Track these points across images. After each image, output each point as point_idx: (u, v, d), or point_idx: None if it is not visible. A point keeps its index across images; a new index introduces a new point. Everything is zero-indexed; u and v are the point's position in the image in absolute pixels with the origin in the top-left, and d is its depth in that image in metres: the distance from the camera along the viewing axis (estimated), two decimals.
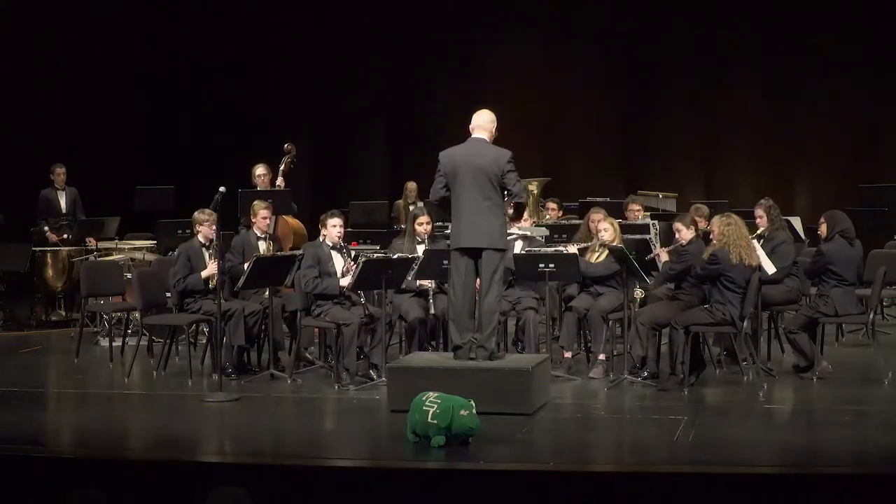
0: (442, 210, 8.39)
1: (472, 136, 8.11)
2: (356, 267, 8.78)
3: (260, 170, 11.23)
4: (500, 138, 8.18)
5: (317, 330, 9.50)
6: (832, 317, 8.94)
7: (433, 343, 9.28)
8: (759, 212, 9.55)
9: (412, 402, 6.99)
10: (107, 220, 12.74)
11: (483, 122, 8.10)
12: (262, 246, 9.64)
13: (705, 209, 9.92)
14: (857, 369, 9.31)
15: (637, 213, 11.12)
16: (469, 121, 8.21)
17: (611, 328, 9.13)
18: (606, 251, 9.13)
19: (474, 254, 7.97)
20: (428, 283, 9.21)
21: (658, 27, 15.58)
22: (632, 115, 15.74)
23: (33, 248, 12.34)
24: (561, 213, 11.86)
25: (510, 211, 9.72)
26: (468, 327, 8.05)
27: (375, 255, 9.20)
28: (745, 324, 8.59)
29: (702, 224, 9.47)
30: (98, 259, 11.73)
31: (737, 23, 15.39)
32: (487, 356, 7.98)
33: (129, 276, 10.67)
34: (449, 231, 9.82)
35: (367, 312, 8.92)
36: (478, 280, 8.06)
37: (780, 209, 9.73)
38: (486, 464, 6.59)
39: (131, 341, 10.39)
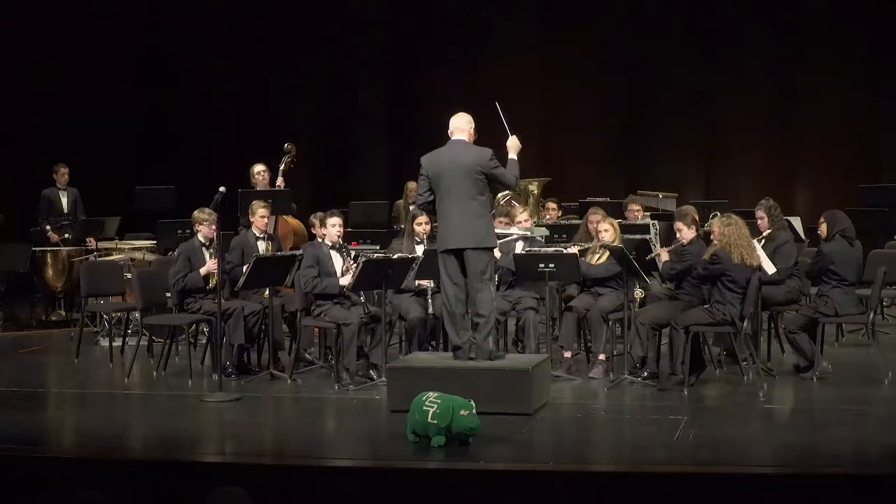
0: (431, 216, 8.43)
1: (452, 138, 8.14)
2: (356, 267, 8.78)
3: (258, 168, 11.24)
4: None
5: (317, 330, 9.51)
6: (832, 317, 8.94)
7: (433, 343, 9.28)
8: (759, 212, 9.54)
9: (412, 402, 7.00)
10: (107, 220, 12.75)
11: (461, 125, 8.15)
12: (262, 246, 9.64)
13: (692, 208, 9.86)
14: (857, 369, 9.30)
15: (637, 213, 11.12)
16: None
17: (611, 328, 9.13)
18: (607, 253, 9.13)
19: (461, 254, 7.98)
20: (427, 283, 9.21)
21: (658, 27, 15.57)
22: (631, 116, 15.73)
23: (33, 248, 12.34)
24: (560, 213, 11.86)
25: (517, 209, 9.75)
26: (465, 327, 8.06)
27: (375, 255, 9.20)
28: (745, 324, 8.59)
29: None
30: (98, 259, 11.73)
31: (737, 23, 15.38)
32: (487, 356, 7.98)
33: (129, 276, 10.66)
34: None
35: (366, 312, 8.92)
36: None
37: (780, 209, 9.73)
38: (486, 464, 6.59)
39: (131, 341, 10.39)
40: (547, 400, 8.16)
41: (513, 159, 8.18)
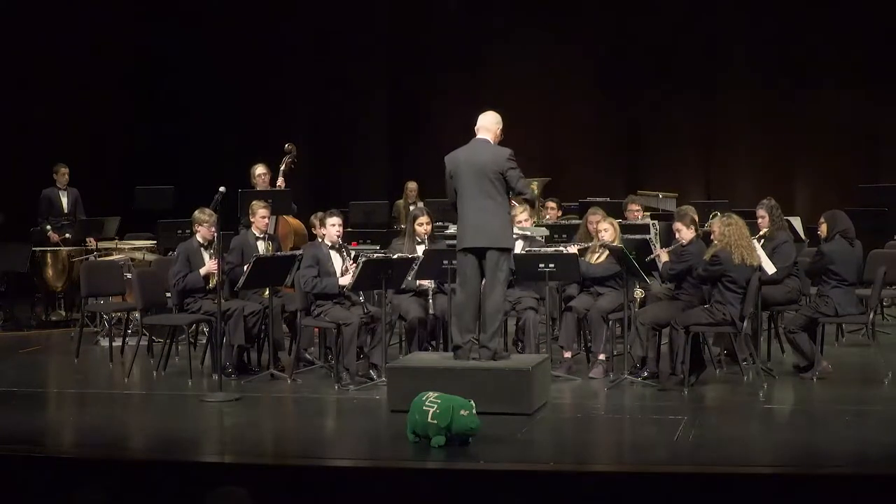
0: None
1: (477, 136, 8.12)
2: (356, 267, 8.78)
3: (259, 169, 11.24)
4: (508, 138, 8.17)
5: (317, 330, 9.51)
6: (832, 317, 8.94)
7: (433, 343, 9.28)
8: (761, 212, 9.54)
9: (412, 402, 6.99)
10: (107, 220, 12.75)
11: (487, 123, 8.10)
12: (262, 246, 9.64)
13: (692, 208, 9.85)
14: (857, 369, 9.31)
15: (637, 213, 11.13)
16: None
17: (611, 328, 9.13)
18: (607, 252, 9.13)
19: (478, 254, 7.97)
20: (427, 283, 9.21)
21: (658, 27, 15.59)
22: (631, 115, 15.74)
23: (33, 248, 12.34)
24: (560, 213, 11.86)
25: (516, 210, 9.74)
26: (470, 328, 8.06)
27: (375, 255, 9.20)
28: (745, 324, 8.59)
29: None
30: (98, 259, 11.73)
31: (737, 22, 15.40)
32: (491, 356, 7.98)
33: (129, 276, 10.67)
34: (448, 231, 9.86)
35: (366, 312, 8.92)
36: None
37: (780, 209, 9.74)
38: (486, 464, 6.59)
39: (131, 341, 10.40)
40: (547, 400, 8.16)
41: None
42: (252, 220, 9.75)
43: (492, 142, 8.06)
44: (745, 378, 8.74)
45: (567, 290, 9.54)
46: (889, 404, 8.14)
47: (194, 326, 9.70)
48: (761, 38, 15.28)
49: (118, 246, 12.24)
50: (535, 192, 12.28)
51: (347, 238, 10.23)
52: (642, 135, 15.73)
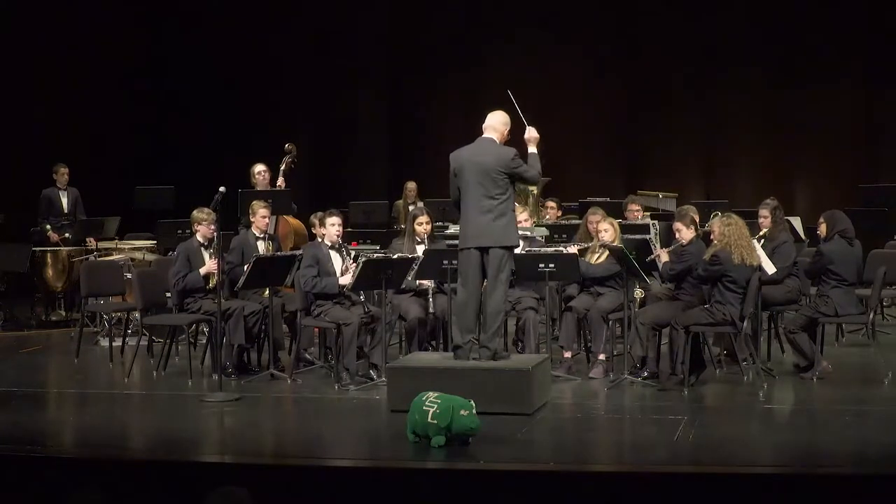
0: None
1: (483, 135, 8.10)
2: (356, 267, 8.78)
3: (259, 168, 11.25)
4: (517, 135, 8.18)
5: (317, 330, 9.51)
6: (832, 317, 8.94)
7: (433, 343, 9.28)
8: (764, 212, 9.55)
9: (412, 402, 6.99)
10: (107, 220, 12.75)
11: (495, 123, 8.08)
12: (262, 246, 9.65)
13: (692, 208, 9.86)
14: (857, 369, 9.31)
15: (637, 213, 11.13)
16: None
17: (611, 328, 9.13)
18: (607, 252, 9.13)
19: (481, 254, 7.96)
20: (427, 283, 9.21)
21: (658, 27, 15.59)
22: (631, 115, 15.75)
23: (33, 248, 12.33)
24: (560, 213, 11.86)
25: (516, 210, 9.71)
26: (470, 328, 8.05)
27: (375, 255, 9.20)
28: (745, 324, 8.59)
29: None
30: (98, 259, 11.73)
31: (737, 22, 15.40)
32: (490, 356, 7.97)
33: (129, 276, 10.67)
34: (448, 231, 9.85)
35: (366, 312, 8.92)
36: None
37: (783, 210, 9.74)
38: (486, 464, 6.59)
39: (131, 341, 10.40)
40: (547, 400, 8.16)
41: (533, 153, 8.10)
42: (252, 219, 9.75)
43: (498, 142, 8.05)
44: (745, 378, 8.74)
45: (567, 290, 9.54)
46: (889, 404, 8.14)
47: (194, 326, 9.70)
48: (761, 38, 15.28)
49: (118, 246, 12.23)
50: (535, 192, 12.28)
51: (347, 238, 10.23)
52: (642, 135, 15.72)
